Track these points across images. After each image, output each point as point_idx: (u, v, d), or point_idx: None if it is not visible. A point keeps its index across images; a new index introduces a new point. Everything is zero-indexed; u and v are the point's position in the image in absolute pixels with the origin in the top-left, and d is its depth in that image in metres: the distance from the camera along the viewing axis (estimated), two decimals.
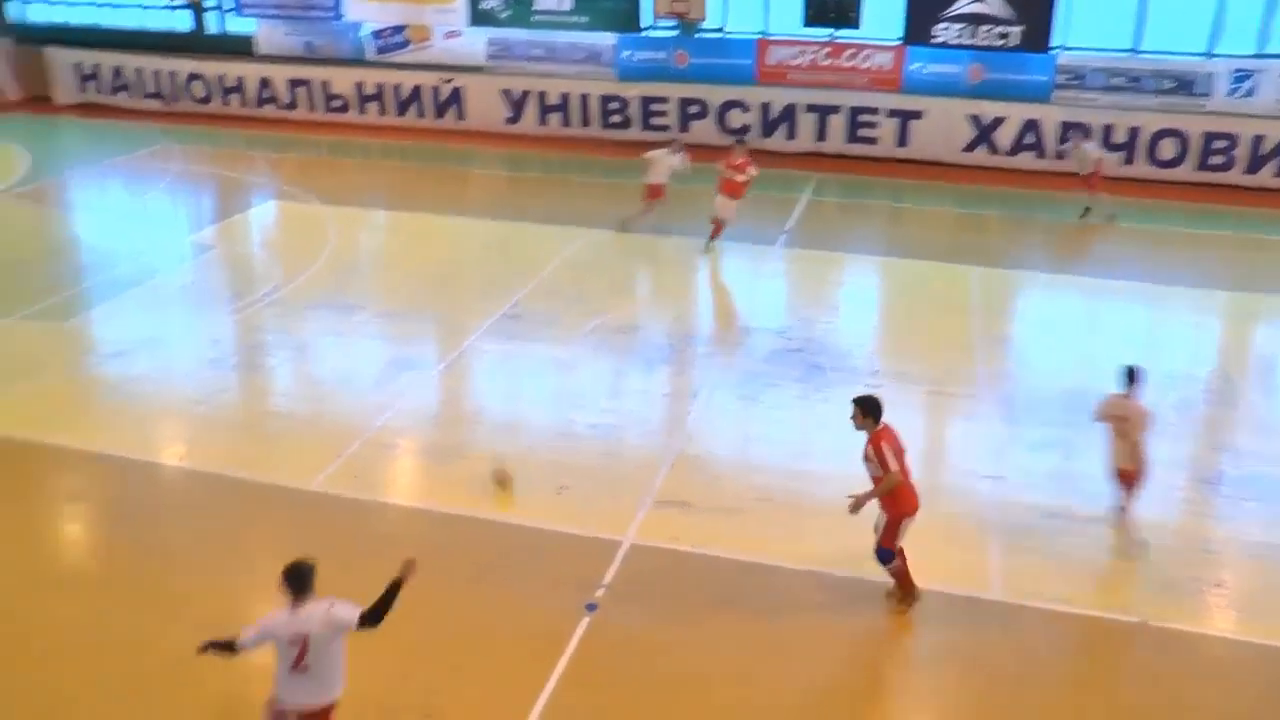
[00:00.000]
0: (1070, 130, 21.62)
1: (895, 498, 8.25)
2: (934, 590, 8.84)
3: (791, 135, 23.96)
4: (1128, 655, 8.24)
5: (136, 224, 19.24)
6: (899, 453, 8.23)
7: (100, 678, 7.83)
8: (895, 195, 21.77)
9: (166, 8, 27.92)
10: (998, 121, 22.79)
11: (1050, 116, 22.51)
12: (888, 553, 8.45)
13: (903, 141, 23.46)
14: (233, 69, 27.19)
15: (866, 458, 8.27)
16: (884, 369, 13.15)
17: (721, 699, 7.68)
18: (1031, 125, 22.63)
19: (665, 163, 17.80)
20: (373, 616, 6.31)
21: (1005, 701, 7.68)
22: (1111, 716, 7.58)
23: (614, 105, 24.83)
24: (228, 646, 6.44)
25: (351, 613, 6.29)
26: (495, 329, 14.19)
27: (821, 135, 23.80)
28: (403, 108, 26.26)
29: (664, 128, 24.48)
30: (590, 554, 9.26)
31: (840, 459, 10.86)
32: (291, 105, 26.98)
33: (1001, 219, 20.07)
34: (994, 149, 22.89)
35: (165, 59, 27.61)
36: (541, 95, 25.28)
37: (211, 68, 27.31)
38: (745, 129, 23.79)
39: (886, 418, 8.31)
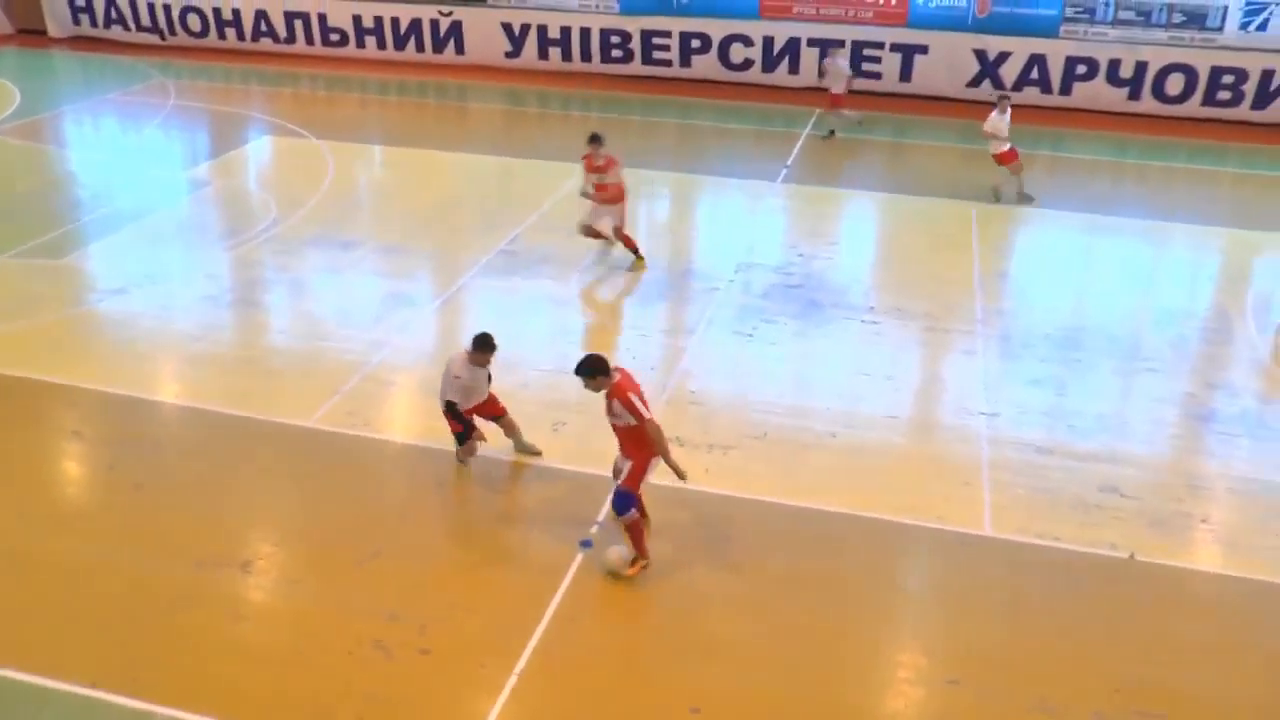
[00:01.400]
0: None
1: (645, 441, 7.97)
2: (925, 526, 8.93)
3: (794, 70, 23.70)
4: (1115, 589, 8.33)
5: (131, 160, 19.12)
6: (641, 395, 7.99)
7: (99, 615, 7.93)
8: (898, 131, 21.56)
9: None
10: (1003, 56, 22.52)
11: (1058, 51, 22.24)
12: (628, 498, 8.01)
13: (906, 76, 23.22)
14: (229, 1, 26.82)
15: (614, 413, 7.97)
16: (881, 305, 13.14)
17: (709, 632, 7.78)
18: (1037, 60, 22.36)
19: (1004, 123, 16.58)
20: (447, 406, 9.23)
21: (994, 637, 7.78)
22: (1098, 650, 7.68)
23: (615, 39, 24.53)
24: None
25: (444, 386, 9.22)
26: (492, 265, 14.17)
27: (824, 70, 23.54)
28: (401, 41, 25.99)
29: (666, 62, 24.26)
30: (585, 491, 9.32)
31: (836, 396, 10.99)
32: (289, 39, 26.69)
33: None
34: (998, 84, 22.64)
35: None
36: (542, 29, 24.99)
37: (206, 0, 26.94)
38: (749, 62, 23.57)
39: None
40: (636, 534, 8.22)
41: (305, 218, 15.74)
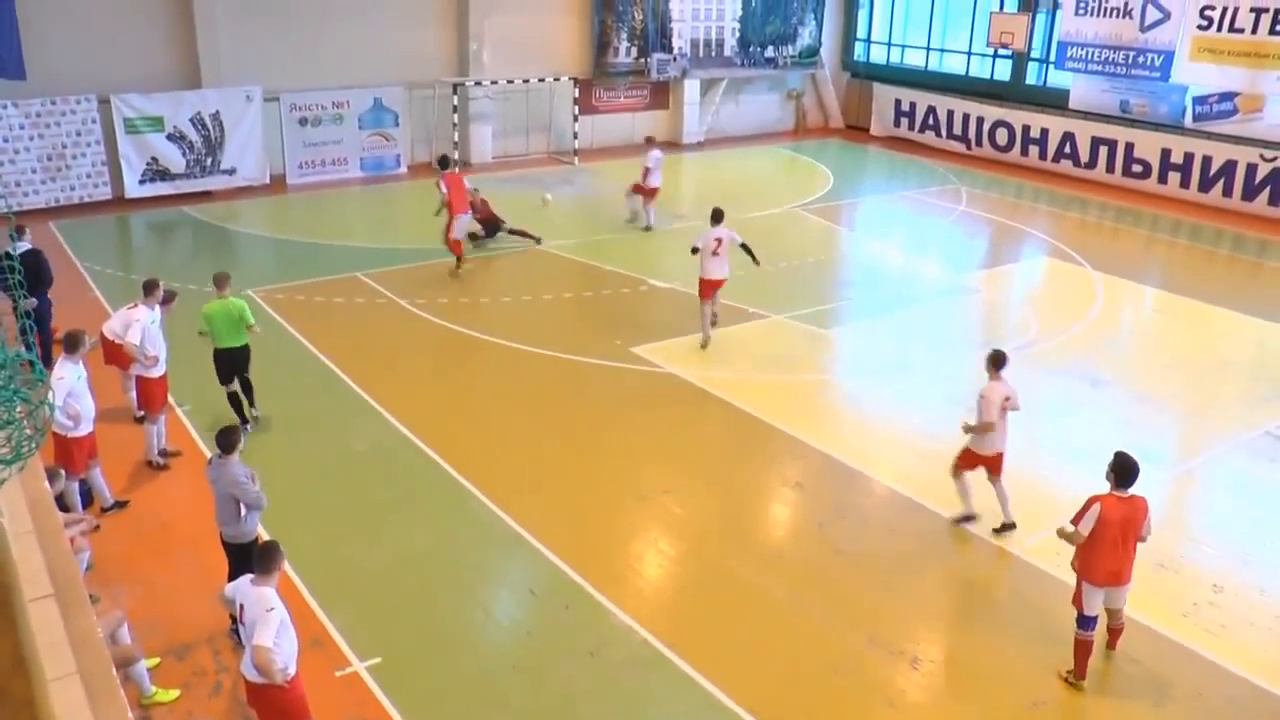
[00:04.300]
0: None
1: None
2: None
3: None
4: None
5: (912, 255, 20.52)
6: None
7: (770, 645, 8.71)
8: None
9: (992, 55, 29.09)
10: None
11: None
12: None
13: None
14: (1039, 120, 27.56)
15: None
16: None
17: None
18: None
19: None
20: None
21: None
22: None
23: None
24: None
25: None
26: (1254, 445, 12.70)
27: None
28: (1207, 184, 24.45)
29: None
30: None
31: None
32: (1089, 164, 26.59)
33: None
34: None
35: (976, 104, 28.88)
36: None
37: (1019, 117, 27.96)
38: None
39: None
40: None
41: (1061, 345, 15.56)
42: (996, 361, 10.36)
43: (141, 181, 22.43)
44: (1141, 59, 25.02)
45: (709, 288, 14.69)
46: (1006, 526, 10.56)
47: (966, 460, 10.55)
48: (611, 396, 13.61)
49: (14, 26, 19.57)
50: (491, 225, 19.80)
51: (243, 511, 8.45)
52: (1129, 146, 25.77)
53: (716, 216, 14.82)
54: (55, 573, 3.33)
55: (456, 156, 25.63)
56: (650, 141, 21.71)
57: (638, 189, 20.97)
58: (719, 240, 14.50)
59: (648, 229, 20.90)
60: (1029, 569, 10.03)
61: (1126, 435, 12.80)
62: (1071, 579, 9.69)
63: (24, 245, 13.34)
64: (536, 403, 13.36)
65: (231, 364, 12.06)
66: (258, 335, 12.10)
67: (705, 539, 10.45)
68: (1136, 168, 25.70)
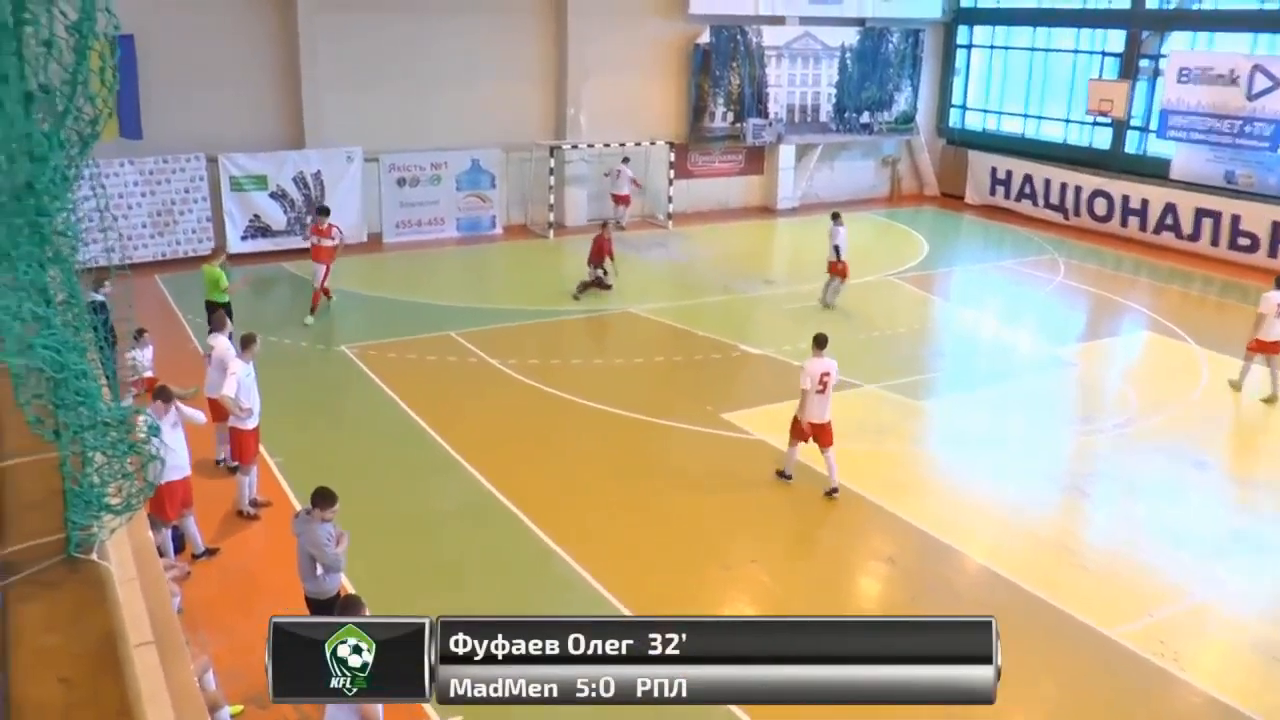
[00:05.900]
0: None
1: None
2: None
3: None
4: None
5: (1008, 326, 20.11)
6: None
7: None
8: None
9: (1091, 123, 28.67)
10: None
11: None
12: None
13: None
14: (1140, 190, 26.95)
15: None
16: None
17: None
18: None
19: None
20: None
21: None
22: None
23: None
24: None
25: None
26: None
27: None
28: None
29: None
30: None
31: None
32: (1193, 237, 25.86)
33: None
34: None
35: (1074, 173, 28.39)
36: None
37: (1118, 187, 27.39)
38: None
39: None
40: None
41: (1163, 424, 15.02)
42: (818, 341, 12.21)
43: (244, 237, 23.14)
44: (1249, 128, 24.40)
45: (836, 268, 19.73)
46: (832, 491, 12.16)
47: (797, 430, 12.22)
48: (700, 462, 13.49)
49: (135, 91, 20.51)
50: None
51: (319, 570, 8.50)
52: (1235, 218, 25.03)
53: (836, 218, 19.96)
54: (156, 620, 3.34)
55: (553, 218, 26.03)
56: (625, 161, 26.57)
57: (615, 198, 26.66)
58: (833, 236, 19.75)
59: (621, 228, 25.39)
60: (1130, 656, 9.56)
61: (1232, 521, 12.30)
62: (1171, 664, 9.33)
63: (99, 295, 13.57)
64: (624, 466, 13.31)
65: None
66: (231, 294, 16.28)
67: (793, 611, 10.21)
68: (1243, 240, 24.92)
